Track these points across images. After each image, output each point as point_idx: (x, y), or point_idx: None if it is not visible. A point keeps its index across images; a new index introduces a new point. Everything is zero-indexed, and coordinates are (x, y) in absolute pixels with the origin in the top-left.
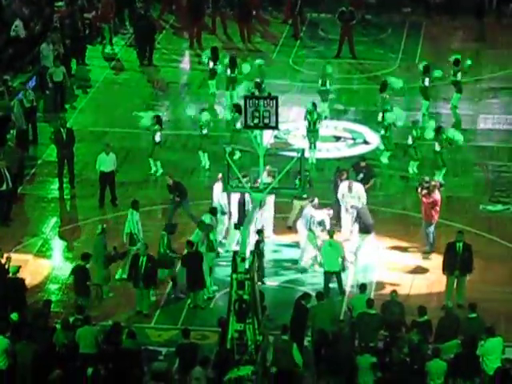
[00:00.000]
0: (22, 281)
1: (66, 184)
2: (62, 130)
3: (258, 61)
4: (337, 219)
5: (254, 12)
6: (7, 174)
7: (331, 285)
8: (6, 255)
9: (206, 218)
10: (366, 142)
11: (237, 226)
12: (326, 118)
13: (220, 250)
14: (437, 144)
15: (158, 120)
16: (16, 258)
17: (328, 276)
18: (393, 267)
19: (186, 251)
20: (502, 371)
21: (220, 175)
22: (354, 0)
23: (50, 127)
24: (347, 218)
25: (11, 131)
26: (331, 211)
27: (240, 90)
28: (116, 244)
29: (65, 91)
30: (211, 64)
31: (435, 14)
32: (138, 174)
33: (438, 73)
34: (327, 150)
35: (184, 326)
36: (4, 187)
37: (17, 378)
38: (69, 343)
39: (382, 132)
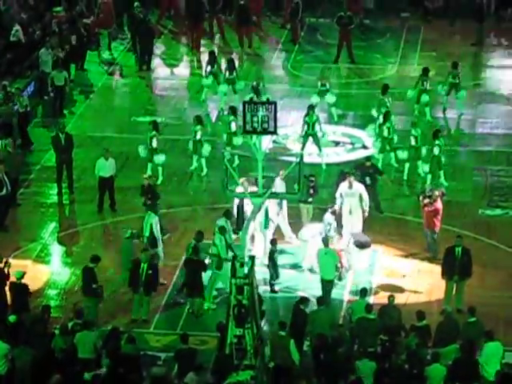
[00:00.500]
0: (26, 286)
1: (65, 189)
2: (60, 135)
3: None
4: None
5: (254, 18)
6: (6, 178)
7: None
8: (4, 260)
9: (221, 222)
10: (364, 147)
11: (235, 231)
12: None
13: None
14: (435, 147)
15: (154, 125)
16: (15, 263)
17: (325, 284)
18: (391, 272)
19: (188, 256)
20: (503, 375)
21: (242, 179)
22: (352, 5)
23: (49, 132)
24: (347, 220)
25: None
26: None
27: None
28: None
29: (65, 96)
30: (209, 68)
31: (433, 19)
32: (137, 179)
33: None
34: (326, 155)
35: (183, 332)
36: (4, 192)
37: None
38: (67, 348)
39: (385, 134)
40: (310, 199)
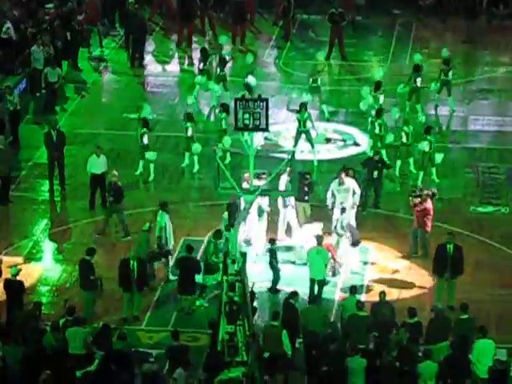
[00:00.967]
0: (21, 283)
1: (57, 186)
2: (52, 132)
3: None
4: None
5: (249, 15)
6: None
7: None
8: None
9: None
10: (356, 144)
11: (227, 228)
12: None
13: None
14: (425, 144)
15: (144, 122)
16: (6, 260)
17: (318, 283)
18: (383, 269)
19: (182, 254)
20: (494, 372)
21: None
22: (344, 2)
23: (41, 129)
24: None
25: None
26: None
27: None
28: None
29: (57, 93)
30: (201, 65)
31: (425, 16)
32: (129, 176)
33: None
34: (318, 152)
35: (174, 328)
36: None
37: (7, 381)
38: (58, 344)
39: (377, 130)
40: (306, 197)
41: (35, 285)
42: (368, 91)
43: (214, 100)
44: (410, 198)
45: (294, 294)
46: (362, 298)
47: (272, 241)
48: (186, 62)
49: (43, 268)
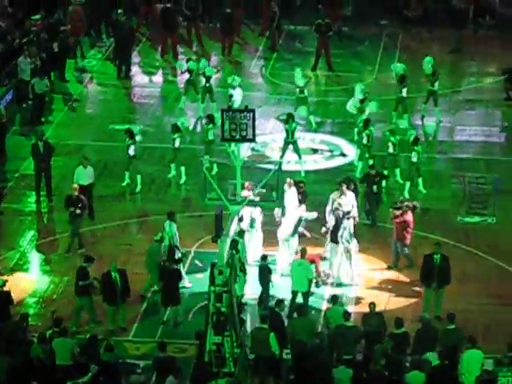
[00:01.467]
0: (8, 294)
1: (43, 197)
2: (39, 143)
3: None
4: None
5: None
6: None
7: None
8: None
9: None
10: (343, 155)
11: (213, 239)
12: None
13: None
14: (413, 155)
15: (130, 134)
16: None
17: (295, 295)
18: (370, 280)
19: (164, 266)
20: (482, 382)
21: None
22: (330, 12)
23: (27, 140)
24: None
25: None
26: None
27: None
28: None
29: (44, 104)
30: (187, 76)
31: (412, 26)
32: (116, 187)
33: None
34: (304, 163)
35: (161, 340)
36: None
37: None
38: (45, 356)
39: (364, 140)
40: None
41: (22, 296)
42: (355, 103)
43: (200, 111)
44: (391, 210)
45: (280, 303)
46: (350, 308)
47: (264, 257)
48: (168, 72)
49: (30, 279)
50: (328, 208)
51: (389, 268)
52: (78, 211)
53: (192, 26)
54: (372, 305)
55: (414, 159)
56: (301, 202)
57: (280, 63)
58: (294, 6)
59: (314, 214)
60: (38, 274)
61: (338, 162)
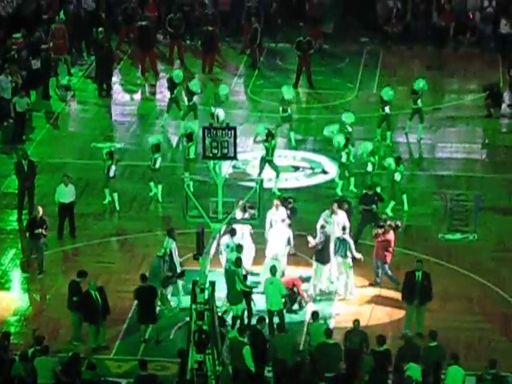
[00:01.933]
0: None
1: (25, 215)
2: (23, 161)
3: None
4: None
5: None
6: None
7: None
8: None
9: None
10: (324, 172)
11: (195, 256)
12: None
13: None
14: (396, 174)
15: (110, 155)
16: None
17: (271, 314)
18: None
19: (139, 285)
20: None
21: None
22: (311, 30)
23: (9, 159)
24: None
25: None
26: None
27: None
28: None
29: (26, 122)
30: (168, 94)
31: (392, 44)
32: (97, 206)
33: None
34: (286, 180)
35: (142, 358)
36: None
37: None
38: (27, 374)
39: (343, 159)
40: (288, 221)
41: (4, 314)
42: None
43: (182, 129)
44: (374, 228)
45: (261, 320)
46: (332, 325)
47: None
48: (149, 90)
49: (12, 298)
50: (319, 225)
51: (370, 285)
52: (45, 232)
53: (174, 44)
54: (356, 322)
55: (398, 178)
56: (290, 217)
57: (261, 81)
58: (275, 23)
59: (311, 241)
60: (19, 292)
61: (319, 179)
